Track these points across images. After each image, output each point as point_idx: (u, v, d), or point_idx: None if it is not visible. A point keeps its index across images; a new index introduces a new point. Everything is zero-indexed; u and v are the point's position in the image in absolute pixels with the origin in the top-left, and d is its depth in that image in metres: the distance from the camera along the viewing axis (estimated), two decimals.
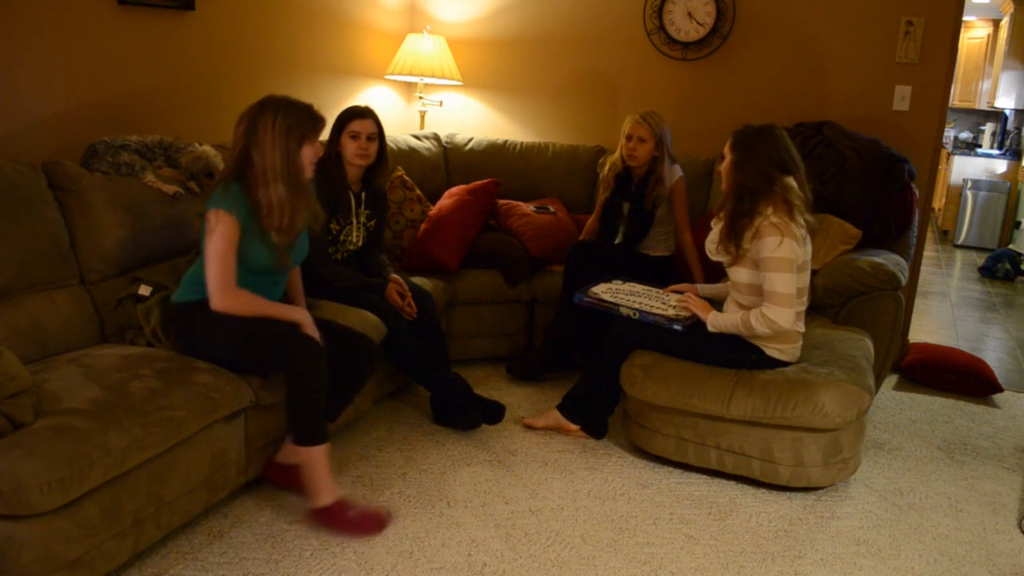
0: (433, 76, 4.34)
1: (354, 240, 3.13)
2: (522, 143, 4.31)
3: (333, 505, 2.30)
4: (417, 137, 4.30)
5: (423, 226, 3.69)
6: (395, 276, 3.11)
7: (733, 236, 2.65)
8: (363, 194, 3.11)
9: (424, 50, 4.31)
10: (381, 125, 3.07)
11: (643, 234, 3.49)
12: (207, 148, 2.94)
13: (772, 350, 2.69)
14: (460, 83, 4.49)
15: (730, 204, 2.69)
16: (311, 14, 3.95)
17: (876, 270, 3.10)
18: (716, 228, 2.77)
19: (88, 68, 2.92)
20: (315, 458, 2.29)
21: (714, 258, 2.80)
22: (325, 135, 2.72)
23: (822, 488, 2.71)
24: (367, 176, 3.11)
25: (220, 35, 3.45)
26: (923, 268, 5.13)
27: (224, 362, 2.35)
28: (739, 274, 2.68)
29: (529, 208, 3.97)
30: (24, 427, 1.88)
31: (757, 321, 2.59)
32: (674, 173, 3.45)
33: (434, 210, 3.77)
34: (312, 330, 2.37)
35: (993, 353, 4.50)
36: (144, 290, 2.55)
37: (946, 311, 5.47)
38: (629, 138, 3.39)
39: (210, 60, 3.42)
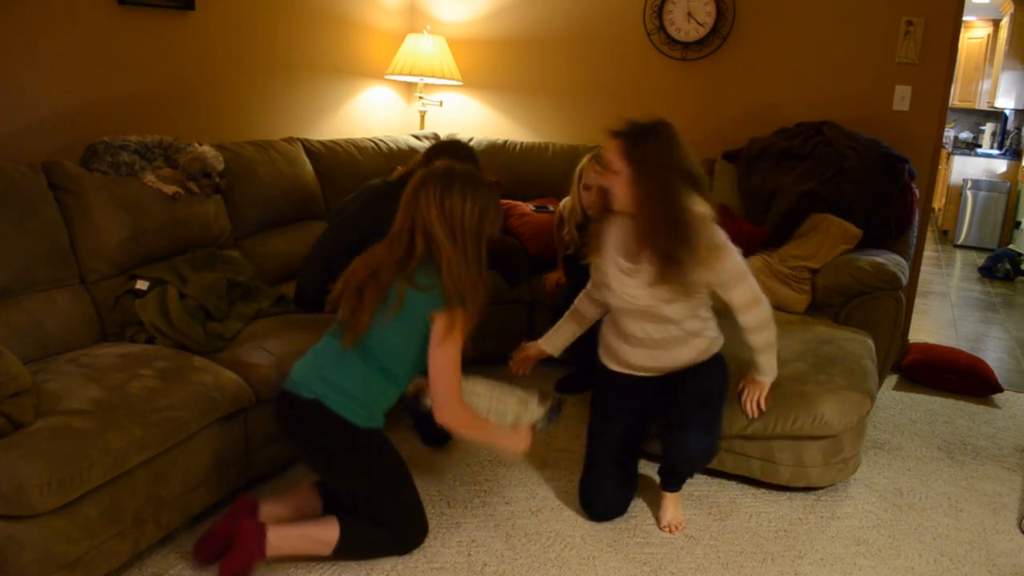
0: (433, 76, 4.34)
1: None
2: (522, 143, 4.31)
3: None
4: (417, 137, 4.30)
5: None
6: None
7: (671, 277, 2.23)
8: None
9: (424, 50, 4.31)
10: (477, 163, 2.79)
11: None
12: (206, 148, 2.94)
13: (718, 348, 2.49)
14: (460, 83, 4.49)
15: (651, 238, 2.22)
16: (311, 14, 3.95)
17: (877, 270, 3.10)
18: (639, 280, 2.30)
19: (88, 68, 2.92)
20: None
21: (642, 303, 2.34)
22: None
23: (822, 488, 2.70)
24: None
25: (220, 35, 3.45)
26: (923, 268, 5.13)
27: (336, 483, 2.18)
28: (673, 310, 2.31)
29: (529, 208, 3.97)
30: (24, 427, 1.88)
31: (770, 327, 2.38)
32: None
33: None
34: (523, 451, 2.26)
35: (993, 353, 4.50)
36: (141, 285, 2.56)
37: (946, 311, 5.47)
38: (588, 188, 2.95)
39: (210, 60, 3.42)
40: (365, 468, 2.13)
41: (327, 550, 2.10)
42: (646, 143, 2.18)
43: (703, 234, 2.21)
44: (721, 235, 2.25)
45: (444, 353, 2.07)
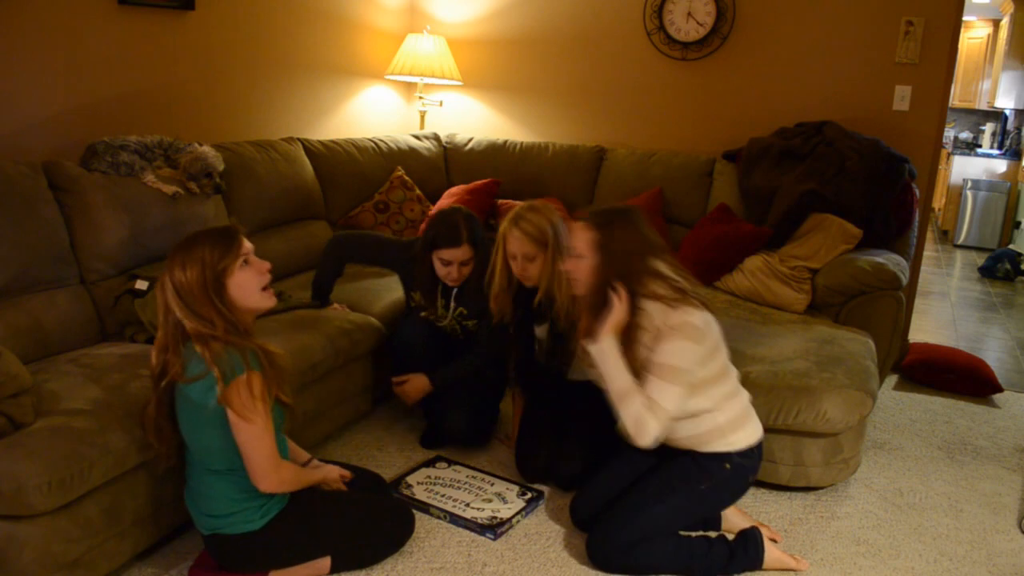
0: (433, 76, 4.34)
1: (446, 326, 2.89)
2: (522, 143, 4.31)
3: None
4: (417, 137, 4.30)
5: (422, 226, 3.70)
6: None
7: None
8: (454, 290, 2.80)
9: (424, 50, 4.31)
10: (479, 239, 2.67)
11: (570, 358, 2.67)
12: (206, 148, 2.94)
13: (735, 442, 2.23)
14: (460, 83, 4.50)
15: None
16: (311, 14, 3.95)
17: (877, 270, 3.10)
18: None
19: (88, 68, 2.92)
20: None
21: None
22: None
23: (822, 488, 2.71)
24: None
25: (220, 35, 3.45)
26: (923, 268, 5.13)
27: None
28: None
29: None
30: (24, 427, 1.88)
31: (631, 412, 2.10)
32: None
33: (434, 210, 3.77)
34: (338, 483, 2.21)
35: (993, 353, 4.50)
36: (141, 284, 2.56)
37: (946, 311, 5.47)
38: (514, 257, 2.56)
39: (210, 60, 3.42)
40: (300, 542, 2.06)
41: (325, 571, 2.11)
42: (612, 231, 2.14)
43: (658, 317, 2.11)
44: (680, 317, 2.08)
45: (257, 419, 1.86)
